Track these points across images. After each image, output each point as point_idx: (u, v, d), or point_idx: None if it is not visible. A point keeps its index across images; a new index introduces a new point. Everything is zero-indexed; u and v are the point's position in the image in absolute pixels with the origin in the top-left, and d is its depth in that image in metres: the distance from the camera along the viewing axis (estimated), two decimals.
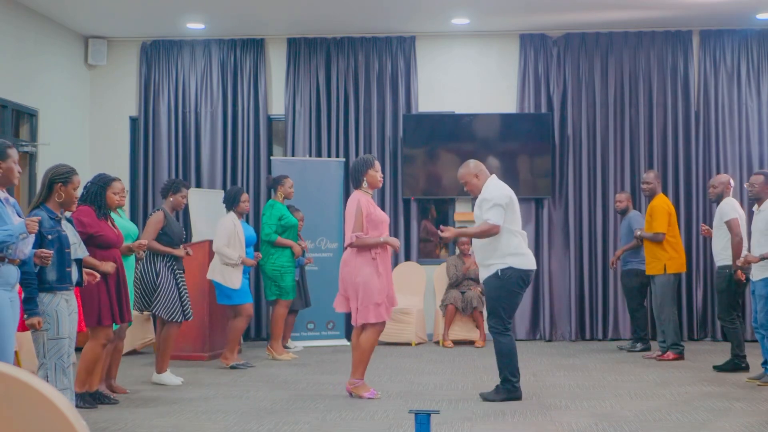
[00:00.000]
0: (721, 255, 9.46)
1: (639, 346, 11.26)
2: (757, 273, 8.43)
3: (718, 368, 9.52)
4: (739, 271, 9.14)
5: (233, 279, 9.76)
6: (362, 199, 7.95)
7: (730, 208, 9.45)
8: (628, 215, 11.41)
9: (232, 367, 9.83)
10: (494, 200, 7.75)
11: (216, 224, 10.15)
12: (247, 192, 12.81)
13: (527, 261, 7.87)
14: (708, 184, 10.21)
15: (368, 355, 7.99)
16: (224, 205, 10.18)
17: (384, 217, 8.11)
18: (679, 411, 7.35)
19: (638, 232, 10.50)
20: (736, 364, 9.47)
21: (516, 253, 7.79)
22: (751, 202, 9.24)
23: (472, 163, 8.12)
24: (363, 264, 7.86)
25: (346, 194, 12.22)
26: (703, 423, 6.88)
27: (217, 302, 10.14)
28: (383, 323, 8.01)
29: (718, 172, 12.33)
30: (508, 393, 7.80)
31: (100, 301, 7.42)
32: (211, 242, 10.28)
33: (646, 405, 7.62)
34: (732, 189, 9.80)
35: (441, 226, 7.79)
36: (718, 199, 9.66)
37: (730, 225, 9.32)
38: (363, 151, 12.67)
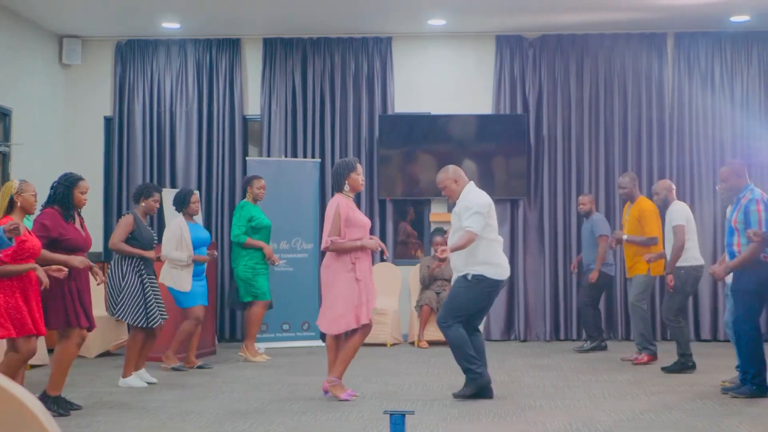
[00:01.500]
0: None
1: (588, 344, 11.34)
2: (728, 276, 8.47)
3: (667, 369, 9.58)
4: (669, 276, 9.29)
5: (183, 282, 9.65)
6: (342, 203, 7.94)
7: (677, 213, 9.60)
8: (591, 218, 11.46)
9: (174, 369, 9.74)
10: (475, 208, 7.77)
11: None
12: (222, 193, 12.80)
13: (501, 271, 7.90)
14: (652, 191, 10.26)
15: (351, 356, 7.98)
16: (174, 207, 10.08)
17: (365, 221, 8.10)
18: (652, 411, 7.38)
19: (625, 237, 10.40)
20: (683, 364, 9.54)
21: (489, 262, 7.83)
22: (724, 203, 9.30)
23: (451, 169, 8.15)
24: (340, 270, 7.84)
25: (322, 195, 12.24)
26: (676, 423, 6.92)
27: (176, 305, 9.89)
28: (370, 326, 8.00)
29: (692, 173, 12.45)
30: (474, 382, 7.85)
31: (65, 301, 7.30)
32: None
33: (620, 405, 7.65)
34: (675, 192, 9.91)
35: (439, 249, 7.70)
36: (665, 204, 9.79)
37: (676, 230, 9.45)
38: (339, 151, 12.67)
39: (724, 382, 8.75)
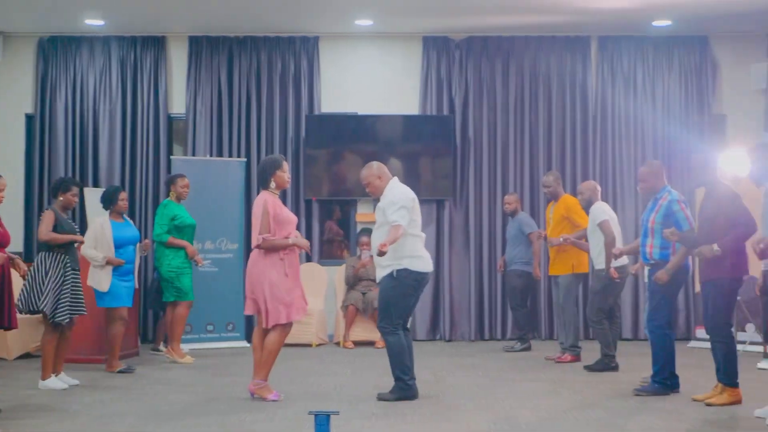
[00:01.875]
0: (599, 258, 9.67)
1: (519, 345, 11.45)
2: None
3: (589, 368, 9.71)
4: (612, 269, 9.40)
5: (102, 282, 9.53)
6: (269, 200, 7.91)
7: (600, 211, 9.72)
8: (517, 217, 11.56)
9: (120, 372, 9.63)
10: (400, 203, 7.80)
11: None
12: (146, 192, 12.66)
13: (424, 264, 7.94)
14: (577, 191, 10.39)
15: (274, 356, 7.94)
16: (101, 205, 9.94)
17: (292, 217, 8.08)
18: (576, 409, 7.47)
19: (561, 239, 10.41)
20: (606, 364, 9.66)
21: (413, 255, 7.86)
22: (643, 203, 9.46)
23: (375, 165, 8.17)
24: (270, 265, 7.81)
25: (248, 195, 12.18)
26: (598, 420, 7.01)
27: (97, 305, 9.68)
28: (290, 325, 7.98)
29: (615, 174, 12.64)
30: (401, 392, 7.87)
31: None
32: None
33: (544, 404, 7.73)
34: (600, 193, 10.03)
35: (379, 245, 7.67)
36: (588, 204, 9.89)
37: (602, 227, 9.56)
38: (265, 151, 12.61)
39: (644, 380, 8.90)
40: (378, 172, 8.09)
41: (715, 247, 7.35)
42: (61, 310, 8.47)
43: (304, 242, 8.01)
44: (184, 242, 10.52)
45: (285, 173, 8.05)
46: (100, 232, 9.54)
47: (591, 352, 10.39)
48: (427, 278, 8.02)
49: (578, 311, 10.73)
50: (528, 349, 11.43)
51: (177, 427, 6.80)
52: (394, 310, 7.90)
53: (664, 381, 8.09)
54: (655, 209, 8.14)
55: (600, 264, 9.65)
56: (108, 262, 9.50)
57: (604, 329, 9.73)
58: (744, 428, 6.78)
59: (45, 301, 8.38)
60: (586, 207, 9.97)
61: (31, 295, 8.37)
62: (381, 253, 7.56)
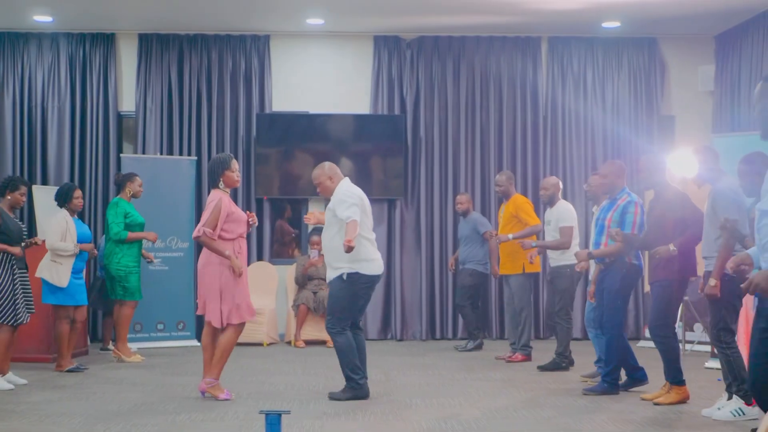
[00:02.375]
0: (562, 255, 9.69)
1: (471, 343, 11.50)
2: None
3: (542, 368, 9.75)
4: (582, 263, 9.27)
5: (61, 277, 9.45)
6: (224, 198, 7.89)
7: (568, 214, 9.72)
8: (470, 216, 11.60)
9: (69, 371, 9.53)
10: (350, 200, 7.81)
11: (47, 223, 9.83)
12: (95, 190, 12.56)
13: (375, 266, 7.95)
14: (539, 186, 10.43)
15: (227, 355, 7.93)
16: (56, 202, 9.85)
17: (244, 216, 8.07)
18: (526, 408, 7.51)
19: (510, 236, 10.39)
20: (558, 364, 9.72)
21: (364, 258, 7.86)
22: (588, 202, 9.52)
23: (327, 165, 8.18)
24: (218, 264, 7.80)
25: (198, 193, 12.13)
26: (548, 419, 7.06)
27: (42, 301, 9.55)
28: (243, 324, 7.96)
29: (564, 174, 12.72)
30: (352, 391, 7.89)
31: None
32: None
33: (495, 403, 7.77)
34: (561, 191, 10.07)
35: (345, 241, 7.62)
36: (551, 201, 9.91)
37: (563, 231, 9.58)
38: (216, 149, 12.55)
39: (584, 378, 8.97)
40: (329, 173, 8.09)
41: (672, 247, 7.45)
42: (21, 312, 8.45)
43: (238, 264, 7.82)
44: (143, 233, 10.46)
45: (234, 173, 8.03)
46: (65, 228, 9.48)
47: (542, 351, 10.45)
48: (377, 280, 8.05)
49: (532, 311, 10.76)
50: (480, 347, 11.48)
51: (126, 427, 6.75)
52: (343, 312, 7.91)
53: (614, 381, 8.17)
54: (612, 208, 8.20)
55: (561, 261, 9.64)
56: (82, 249, 9.45)
57: (570, 328, 9.76)
58: (690, 427, 6.86)
59: (1, 311, 8.35)
60: (548, 203, 9.97)
61: None
62: (349, 249, 7.55)
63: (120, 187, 10.75)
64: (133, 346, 10.84)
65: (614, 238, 7.89)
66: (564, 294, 9.74)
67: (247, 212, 8.22)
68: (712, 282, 6.82)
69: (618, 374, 8.20)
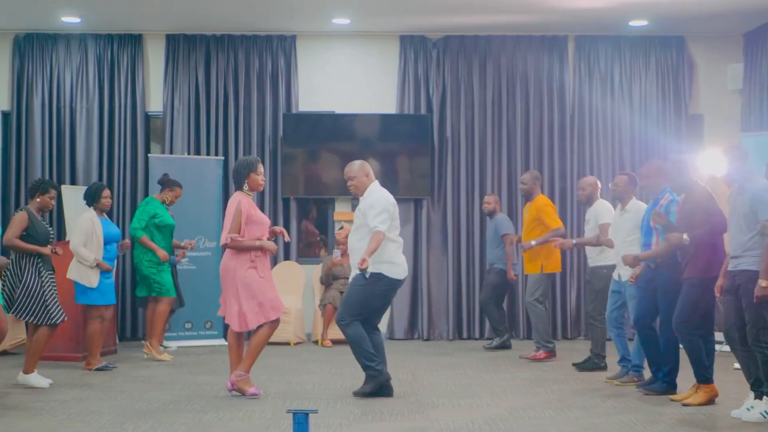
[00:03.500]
0: (600, 255, 9.61)
1: (497, 341, 11.48)
2: (625, 273, 8.62)
3: (580, 367, 9.71)
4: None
5: (90, 277, 9.51)
6: (243, 201, 7.93)
7: (606, 211, 9.64)
8: (496, 217, 11.61)
9: (98, 369, 9.58)
10: (381, 206, 7.84)
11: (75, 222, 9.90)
12: (124, 190, 12.62)
13: (398, 271, 7.97)
14: (577, 186, 10.40)
15: (259, 350, 7.96)
16: (84, 202, 9.91)
17: (264, 219, 8.11)
18: (553, 408, 7.50)
19: (533, 242, 10.44)
20: (596, 364, 9.66)
21: (390, 261, 7.89)
22: (614, 202, 9.48)
23: (359, 163, 8.21)
24: (240, 268, 7.82)
25: (225, 193, 12.14)
26: (575, 420, 7.04)
27: (75, 301, 9.68)
28: (278, 321, 7.99)
29: (592, 174, 12.64)
30: (373, 380, 7.91)
31: None
32: None
33: (521, 403, 7.76)
34: (599, 190, 10.00)
35: (359, 262, 7.66)
36: (589, 200, 9.84)
37: (602, 228, 9.51)
38: (243, 149, 12.59)
39: (609, 379, 8.92)
40: (365, 170, 8.14)
41: (685, 236, 7.41)
42: (54, 311, 8.51)
43: (272, 246, 7.99)
44: (153, 245, 10.50)
45: (259, 176, 8.06)
46: (91, 228, 9.51)
47: (568, 351, 10.41)
48: (399, 284, 8.07)
49: (547, 309, 10.73)
50: (507, 346, 11.44)
51: (155, 425, 6.78)
52: (355, 307, 7.94)
53: (673, 381, 8.10)
54: (656, 208, 8.14)
55: (599, 261, 9.54)
56: (98, 266, 9.49)
57: (603, 329, 9.65)
58: (719, 428, 6.83)
59: (19, 310, 8.42)
60: (586, 203, 9.92)
61: (10, 296, 8.40)
62: (362, 270, 7.59)
63: (161, 187, 10.85)
64: (169, 344, 10.93)
65: (657, 220, 7.84)
66: (598, 294, 9.66)
67: (279, 229, 8.22)
68: (763, 283, 6.75)
69: (676, 374, 8.14)
